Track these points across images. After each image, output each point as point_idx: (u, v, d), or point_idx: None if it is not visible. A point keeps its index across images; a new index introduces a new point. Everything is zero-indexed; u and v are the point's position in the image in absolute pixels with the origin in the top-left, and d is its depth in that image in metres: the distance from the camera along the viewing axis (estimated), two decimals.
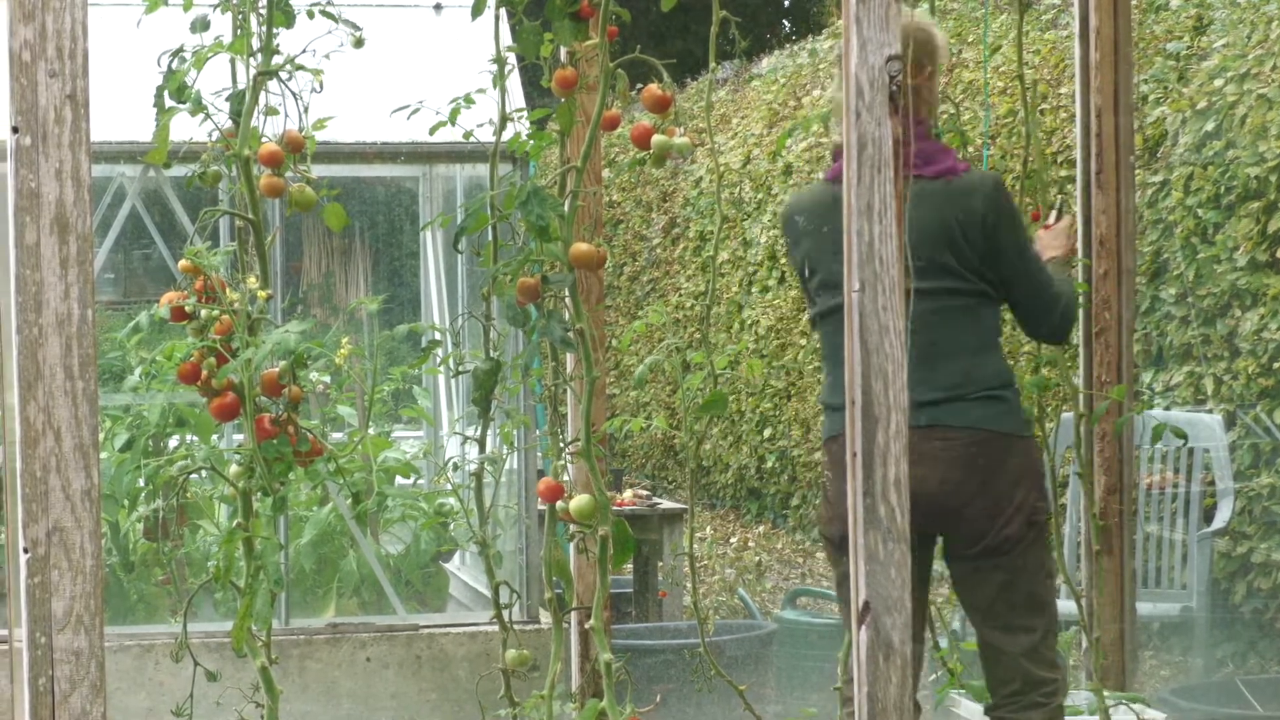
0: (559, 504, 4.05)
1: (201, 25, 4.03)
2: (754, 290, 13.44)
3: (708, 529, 13.51)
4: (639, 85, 4.14)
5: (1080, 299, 5.21)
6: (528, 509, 7.66)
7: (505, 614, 4.33)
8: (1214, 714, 6.62)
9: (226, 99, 4.03)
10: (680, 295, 14.91)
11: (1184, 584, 7.70)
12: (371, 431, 8.42)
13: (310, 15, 4.07)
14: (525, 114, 4.32)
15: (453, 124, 4.31)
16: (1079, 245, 5.64)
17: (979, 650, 4.67)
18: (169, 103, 4.00)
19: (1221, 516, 7.71)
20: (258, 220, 4.06)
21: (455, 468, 5.09)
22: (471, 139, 4.32)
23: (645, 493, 9.65)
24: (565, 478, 4.14)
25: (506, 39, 4.15)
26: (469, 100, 4.34)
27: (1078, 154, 5.86)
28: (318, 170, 4.21)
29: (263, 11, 4.01)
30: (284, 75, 4.04)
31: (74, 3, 2.69)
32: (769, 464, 13.33)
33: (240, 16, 4.01)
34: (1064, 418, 6.72)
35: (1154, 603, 7.69)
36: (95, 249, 2.74)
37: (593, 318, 4.32)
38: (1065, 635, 5.04)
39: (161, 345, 8.34)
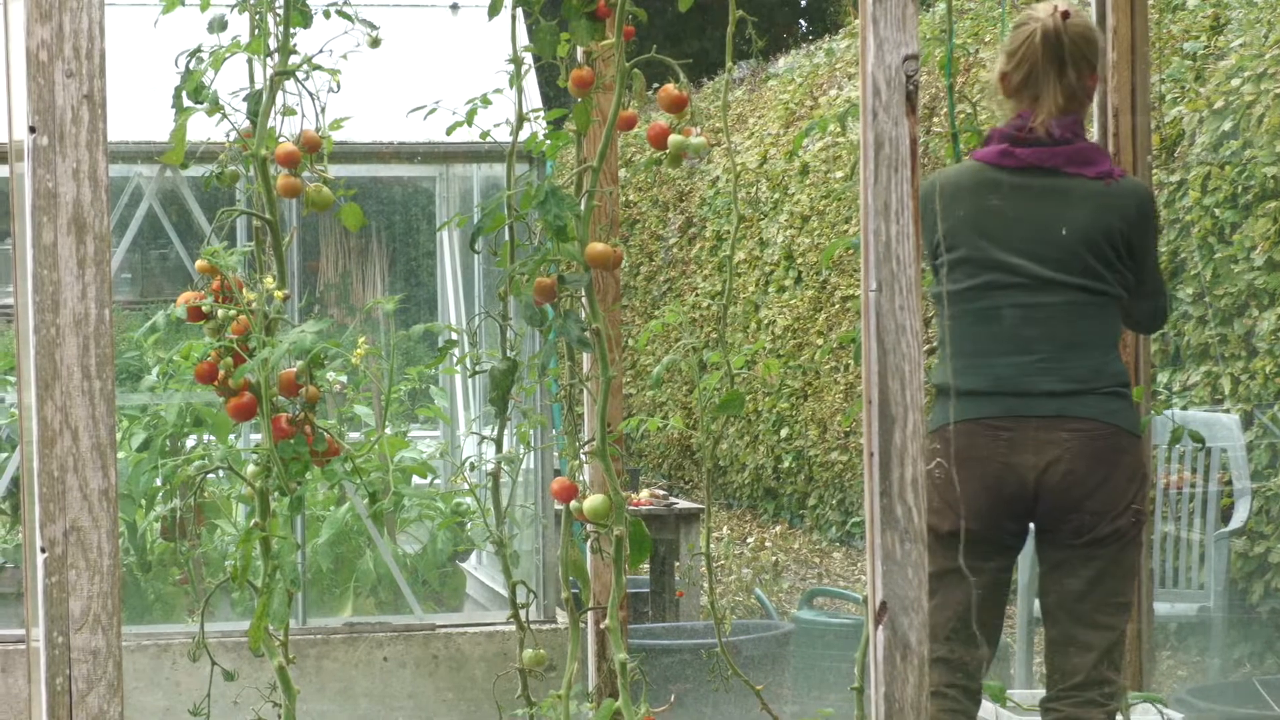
0: (573, 504, 4.05)
1: (219, 25, 4.03)
2: (771, 290, 13.44)
3: (724, 529, 13.51)
4: (655, 85, 4.14)
5: None
6: (544, 509, 7.66)
7: (522, 614, 4.32)
8: (1231, 714, 6.61)
9: (243, 99, 4.03)
10: (697, 295, 14.90)
11: (1201, 584, 7.69)
12: (388, 431, 8.43)
13: (327, 15, 4.07)
14: (542, 114, 4.32)
15: (469, 124, 4.31)
16: None
17: (1050, 642, 4.66)
18: (186, 103, 4.00)
19: (1239, 516, 7.70)
20: (275, 220, 4.07)
21: (472, 467, 5.08)
22: (488, 139, 4.32)
23: (662, 492, 9.65)
24: (581, 478, 4.14)
25: (523, 39, 4.15)
26: (486, 100, 4.34)
27: None
28: (335, 170, 4.21)
29: (280, 11, 4.01)
30: (301, 75, 4.04)
31: (91, 2, 2.69)
32: (786, 464, 13.32)
33: (257, 16, 4.01)
34: None
35: (1171, 603, 7.69)
36: (112, 249, 2.74)
37: (609, 318, 4.31)
38: None
39: (179, 345, 8.32)
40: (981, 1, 11.57)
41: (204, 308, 3.97)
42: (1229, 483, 7.77)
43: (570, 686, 4.17)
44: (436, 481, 8.88)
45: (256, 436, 4.09)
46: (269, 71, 4.03)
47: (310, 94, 4.05)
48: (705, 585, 4.81)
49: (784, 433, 13.33)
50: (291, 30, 4.02)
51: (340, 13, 4.08)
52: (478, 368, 4.24)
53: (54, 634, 2.68)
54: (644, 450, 16.16)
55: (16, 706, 7.30)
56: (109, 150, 2.71)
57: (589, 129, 4.16)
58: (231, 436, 8.12)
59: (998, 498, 4.55)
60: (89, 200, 2.69)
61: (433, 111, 4.40)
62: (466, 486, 6.46)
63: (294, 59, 4.02)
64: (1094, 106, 5.65)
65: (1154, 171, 7.35)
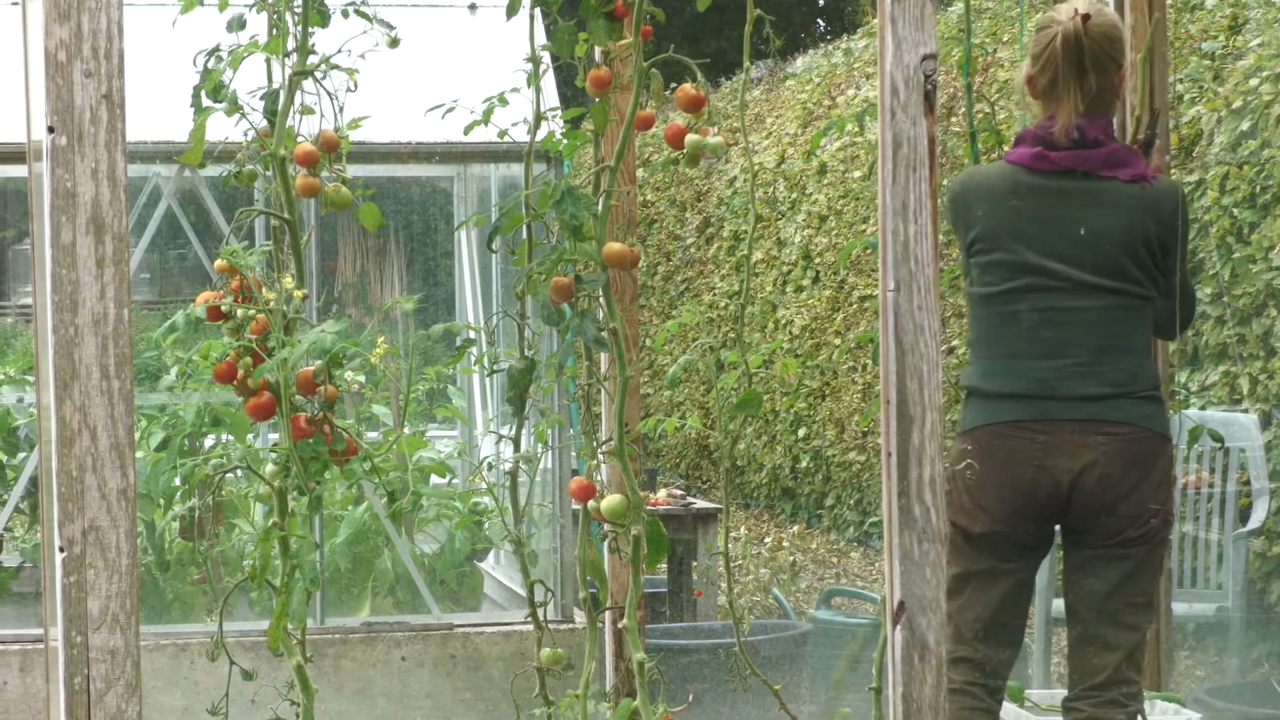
0: (591, 503, 4.05)
1: (237, 25, 4.04)
2: (788, 290, 13.43)
3: (742, 529, 13.50)
4: (673, 85, 4.13)
5: None
6: (562, 508, 7.66)
7: (540, 613, 4.33)
8: (1249, 714, 6.60)
9: (262, 99, 4.04)
10: (714, 295, 14.90)
11: (1219, 584, 7.68)
12: (406, 431, 8.44)
13: (345, 15, 4.08)
14: (559, 113, 4.32)
15: (486, 123, 4.32)
16: None
17: (1073, 641, 4.66)
18: (205, 102, 4.00)
19: (1257, 516, 7.68)
20: (293, 220, 4.07)
21: (490, 467, 5.09)
22: (506, 138, 4.32)
23: (680, 492, 9.64)
24: (599, 477, 4.14)
25: (541, 38, 4.15)
26: (503, 99, 4.34)
27: None
28: (353, 170, 4.22)
29: (298, 11, 4.01)
30: (319, 75, 4.04)
31: (110, 2, 2.69)
32: (803, 464, 13.31)
33: (276, 16, 4.02)
34: None
35: (1189, 603, 7.67)
36: (131, 249, 2.75)
37: (626, 317, 4.32)
38: None
39: (197, 345, 8.34)
40: (1000, 1, 11.55)
41: (223, 307, 3.97)
42: (1247, 483, 7.76)
43: (588, 686, 4.17)
44: (454, 481, 8.89)
45: (275, 436, 4.10)
46: (287, 71, 4.03)
47: (328, 93, 4.06)
48: (723, 585, 4.81)
49: (801, 432, 13.32)
50: (310, 30, 4.02)
51: (359, 12, 4.08)
52: (495, 367, 4.24)
53: (72, 633, 2.69)
54: (661, 450, 16.15)
55: (35, 706, 7.31)
56: (127, 150, 2.71)
57: (606, 128, 4.16)
58: (250, 436, 8.13)
59: (1031, 500, 4.55)
60: (107, 200, 2.69)
61: (450, 111, 4.40)
62: (484, 486, 6.45)
63: (312, 59, 4.03)
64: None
65: (1173, 171, 7.33)
